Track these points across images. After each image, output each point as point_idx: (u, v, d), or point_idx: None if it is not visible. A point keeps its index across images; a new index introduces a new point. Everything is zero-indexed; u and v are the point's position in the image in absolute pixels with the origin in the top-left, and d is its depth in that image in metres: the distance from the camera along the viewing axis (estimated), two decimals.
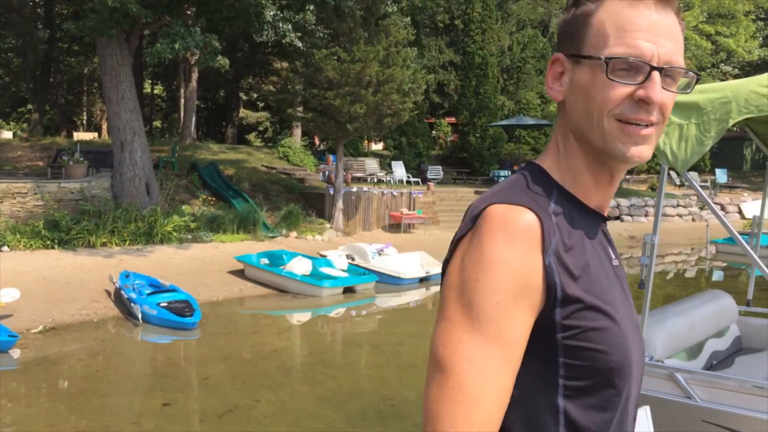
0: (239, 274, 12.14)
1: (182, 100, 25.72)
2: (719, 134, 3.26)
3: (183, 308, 9.00)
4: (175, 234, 13.42)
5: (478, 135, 28.34)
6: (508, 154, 30.00)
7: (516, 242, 0.90)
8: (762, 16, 32.66)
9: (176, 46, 13.17)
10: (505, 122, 27.34)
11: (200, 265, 12.28)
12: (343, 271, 12.14)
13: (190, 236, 13.77)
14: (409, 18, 20.23)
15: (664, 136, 3.36)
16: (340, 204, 16.91)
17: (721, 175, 30.11)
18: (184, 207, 15.04)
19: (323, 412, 6.14)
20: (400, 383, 7.07)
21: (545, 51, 33.04)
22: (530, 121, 27.07)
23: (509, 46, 33.05)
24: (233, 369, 7.43)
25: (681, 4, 21.79)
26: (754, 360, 4.45)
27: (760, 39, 31.50)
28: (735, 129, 3.45)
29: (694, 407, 3.38)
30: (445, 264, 0.98)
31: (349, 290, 11.76)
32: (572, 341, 0.93)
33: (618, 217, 24.70)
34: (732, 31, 24.32)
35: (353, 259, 13.11)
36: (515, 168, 27.25)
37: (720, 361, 4.40)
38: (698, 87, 3.44)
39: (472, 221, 0.95)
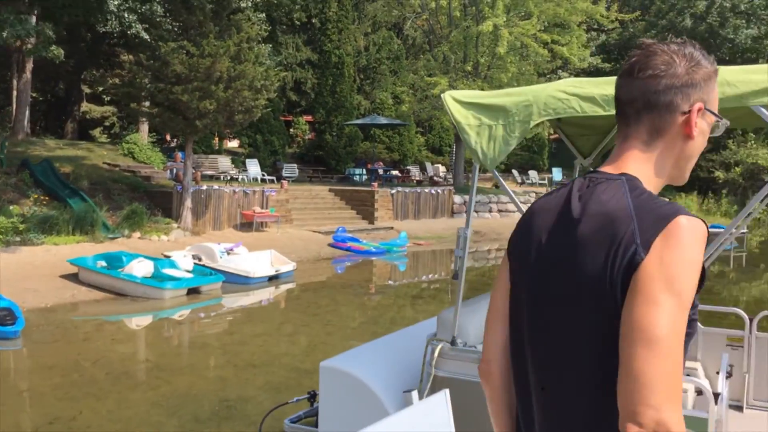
0: (73, 278, 11.43)
1: (14, 92, 23.73)
2: (522, 134, 3.48)
3: (3, 316, 8.34)
4: (0, 236, 12.38)
5: (334, 133, 28.54)
6: (364, 152, 30.47)
7: (703, 247, 1.20)
8: (594, 27, 35.47)
9: (4, 34, 12.16)
10: (360, 121, 27.73)
11: (28, 269, 11.42)
12: (188, 271, 11.78)
13: (18, 238, 12.76)
14: (264, 14, 19.96)
15: (475, 136, 3.53)
16: (188, 203, 16.38)
17: (557, 174, 32.40)
18: (12, 207, 13.91)
19: (154, 418, 5.93)
20: (238, 383, 6.98)
21: (399, 53, 33.90)
22: (384, 121, 27.66)
23: (365, 47, 33.56)
24: (57, 379, 6.99)
25: (522, 13, 22.77)
26: None
27: (592, 48, 34.23)
28: (549, 130, 3.70)
29: None
30: (634, 258, 1.19)
31: (194, 291, 11.43)
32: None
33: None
34: (566, 40, 26.17)
35: (200, 260, 12.76)
36: (369, 166, 27.74)
37: None
38: (505, 91, 3.65)
39: (658, 227, 1.18)
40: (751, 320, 4.53)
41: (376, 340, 4.53)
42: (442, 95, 3.70)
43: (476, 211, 26.15)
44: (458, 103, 3.67)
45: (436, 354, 3.70)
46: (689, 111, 1.30)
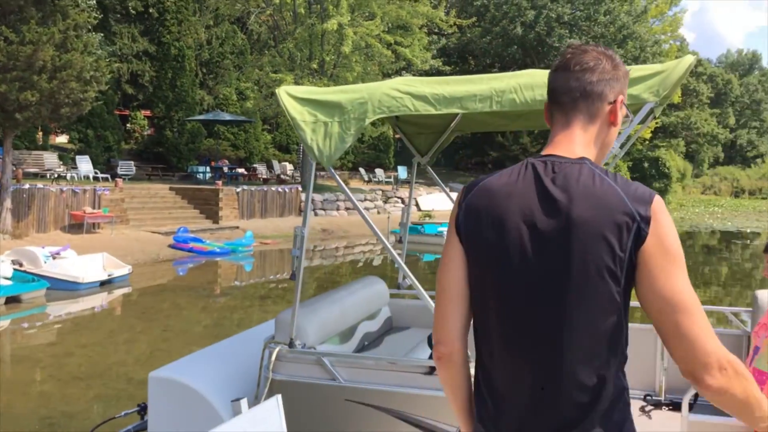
0: None
1: None
2: (358, 132, 3.45)
3: None
4: None
5: (175, 129, 27.31)
6: (207, 149, 29.46)
7: None
8: (435, 31, 36.81)
9: None
10: (203, 117, 26.77)
11: None
12: (6, 278, 10.70)
13: None
14: (94, 1, 18.60)
15: (311, 133, 3.45)
16: (8, 203, 14.91)
17: (403, 172, 33.29)
18: None
19: None
20: (62, 399, 6.42)
21: (244, 47, 33.12)
22: (229, 117, 26.90)
23: (208, 40, 32.42)
24: None
25: (366, 13, 23.07)
26: (401, 337, 4.85)
27: (434, 51, 35.51)
28: (389, 128, 3.68)
29: (339, 388, 3.53)
30: (640, 234, 1.40)
31: (13, 300, 10.41)
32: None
33: (313, 211, 25.78)
34: (409, 42, 26.91)
35: (21, 265, 11.64)
36: (213, 164, 26.87)
37: (371, 342, 4.68)
38: (340, 87, 3.58)
39: (647, 206, 1.40)
40: None
41: (212, 346, 4.33)
42: (276, 91, 3.59)
43: (324, 209, 26.19)
44: (293, 99, 3.57)
45: (273, 357, 3.59)
46: (614, 101, 1.55)
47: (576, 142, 1.53)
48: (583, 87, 1.52)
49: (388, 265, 17.67)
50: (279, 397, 2.99)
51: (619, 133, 1.86)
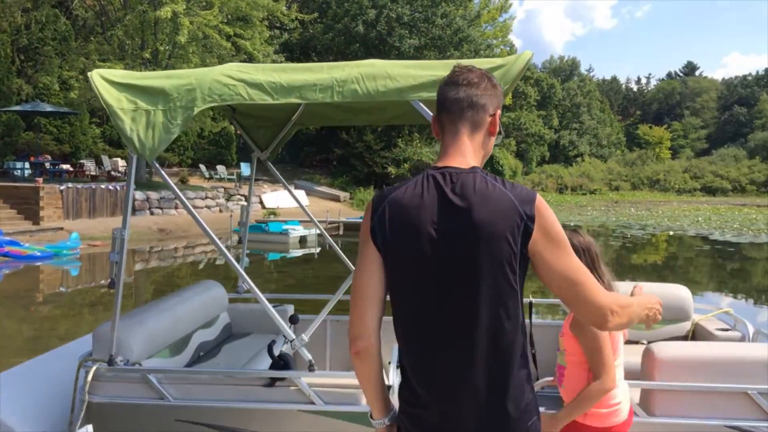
0: None
1: None
2: (185, 122, 3.08)
3: None
4: None
5: None
6: (26, 143, 26.84)
7: None
8: (277, 25, 36.20)
9: None
10: (20, 108, 24.31)
11: None
12: None
13: None
14: None
15: (131, 122, 3.07)
16: None
17: (246, 169, 32.42)
18: None
19: None
20: None
21: (67, 33, 30.54)
22: (50, 109, 24.63)
23: (26, 24, 29.50)
24: None
25: (203, 2, 22.04)
26: (240, 345, 4.51)
27: (276, 46, 34.90)
28: (228, 122, 3.34)
29: (168, 407, 3.17)
30: (527, 230, 1.69)
31: None
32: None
33: (149, 210, 24.40)
34: (249, 34, 26.17)
35: None
36: (33, 159, 24.50)
37: (208, 352, 4.33)
38: (165, 72, 3.23)
39: (531, 205, 1.69)
40: None
41: (20, 366, 3.77)
42: (89, 74, 3.16)
43: (161, 208, 24.85)
44: (109, 83, 3.17)
45: (89, 377, 3.16)
46: (494, 114, 1.83)
47: (466, 153, 1.79)
48: (470, 98, 1.79)
49: (229, 267, 17.03)
50: (90, 428, 2.60)
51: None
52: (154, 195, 24.76)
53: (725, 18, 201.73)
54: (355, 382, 2.80)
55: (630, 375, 3.88)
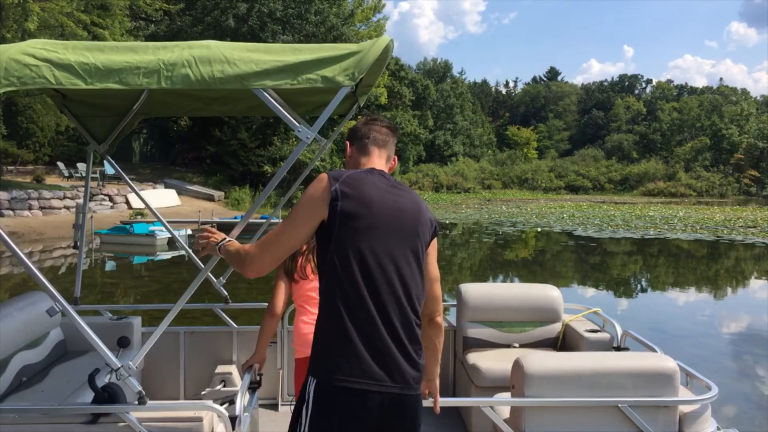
0: None
1: None
2: None
3: None
4: None
5: None
6: None
7: None
8: (143, 16, 34.34)
9: None
10: None
11: None
12: None
13: None
14: None
15: None
16: None
17: (110, 168, 30.53)
18: None
19: None
20: None
21: None
22: None
23: None
24: None
25: None
26: (73, 366, 3.89)
27: (142, 37, 33.09)
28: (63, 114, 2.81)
29: None
30: (436, 231, 2.44)
31: None
32: None
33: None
34: (108, 23, 24.58)
35: None
36: None
37: (32, 377, 3.73)
38: None
39: (435, 220, 2.42)
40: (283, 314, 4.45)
41: None
42: None
43: (12, 209, 22.81)
44: None
45: None
46: (395, 154, 2.55)
47: (387, 169, 2.46)
48: (394, 136, 2.50)
49: (93, 271, 15.80)
50: None
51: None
52: (3, 195, 22.70)
53: (584, 27, 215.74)
54: (196, 413, 2.62)
55: (502, 382, 3.78)
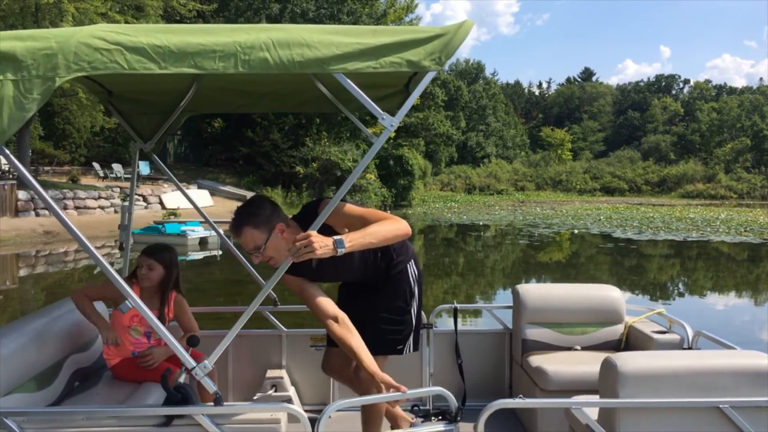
0: None
1: None
2: (45, 96, 2.31)
3: None
4: None
5: None
6: None
7: None
8: (176, 17, 34.57)
9: None
10: None
11: None
12: None
13: None
14: None
15: None
16: None
17: (144, 168, 30.78)
18: None
19: None
20: None
21: None
22: None
23: None
24: None
25: None
26: None
27: None
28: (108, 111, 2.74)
29: None
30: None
31: None
32: None
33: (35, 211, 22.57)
34: (142, 23, 24.74)
35: None
36: None
37: (85, 381, 3.61)
38: (15, 33, 2.46)
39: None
40: None
41: None
42: None
43: (47, 209, 23.01)
44: None
45: None
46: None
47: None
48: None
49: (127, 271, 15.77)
50: None
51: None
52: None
53: (619, 27, 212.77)
54: (273, 415, 2.57)
55: (577, 385, 3.64)
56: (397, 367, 4.33)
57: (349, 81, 2.43)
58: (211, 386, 2.50)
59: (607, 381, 2.80)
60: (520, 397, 2.69)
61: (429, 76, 2.42)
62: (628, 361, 2.78)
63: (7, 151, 2.46)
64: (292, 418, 2.55)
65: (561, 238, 24.85)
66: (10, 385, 2.84)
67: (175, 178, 4.40)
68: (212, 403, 2.49)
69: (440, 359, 4.34)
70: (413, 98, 2.47)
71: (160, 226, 20.46)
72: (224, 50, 2.34)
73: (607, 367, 2.80)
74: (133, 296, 2.46)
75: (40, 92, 2.31)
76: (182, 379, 2.55)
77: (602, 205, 49.13)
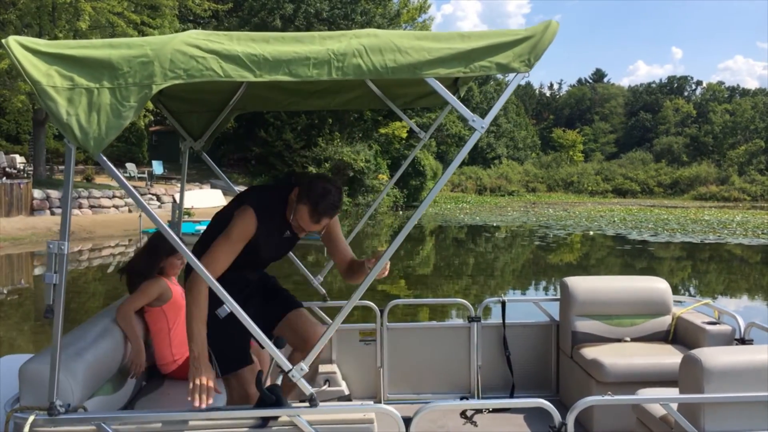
0: None
1: None
2: (141, 104, 2.36)
3: None
4: None
5: None
6: None
7: None
8: (190, 18, 34.63)
9: None
10: None
11: None
12: None
13: None
14: None
15: (67, 104, 2.33)
16: None
17: (158, 167, 30.83)
18: None
19: None
20: None
21: None
22: None
23: None
24: None
25: None
26: None
27: None
28: (149, 119, 2.70)
29: None
30: None
31: None
32: None
33: (50, 210, 22.59)
34: (158, 23, 24.79)
35: None
36: None
37: (150, 379, 3.69)
38: (109, 41, 2.49)
39: None
40: (381, 311, 4.37)
41: None
42: (5, 41, 2.36)
43: (61, 208, 23.05)
44: (34, 53, 2.37)
45: None
46: None
47: None
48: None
49: None
50: None
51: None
52: (54, 194, 23.03)
53: (630, 28, 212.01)
54: (366, 414, 2.52)
55: (634, 377, 3.69)
56: (445, 361, 4.42)
57: (440, 85, 2.49)
58: (307, 388, 2.50)
59: (691, 376, 2.79)
60: (609, 394, 2.67)
61: (518, 78, 2.49)
62: (712, 356, 2.78)
63: (104, 158, 2.47)
64: (382, 417, 2.58)
65: (576, 240, 24.70)
66: (93, 388, 2.83)
67: (222, 174, 4.56)
68: (307, 404, 2.49)
69: (488, 352, 4.43)
70: (502, 101, 2.51)
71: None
72: (318, 58, 2.40)
73: (690, 362, 2.80)
74: (231, 302, 2.47)
75: (137, 100, 2.35)
76: (278, 380, 2.64)
77: (615, 207, 48.83)
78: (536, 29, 2.51)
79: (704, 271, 17.07)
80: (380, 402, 4.38)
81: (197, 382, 2.55)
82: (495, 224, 31.80)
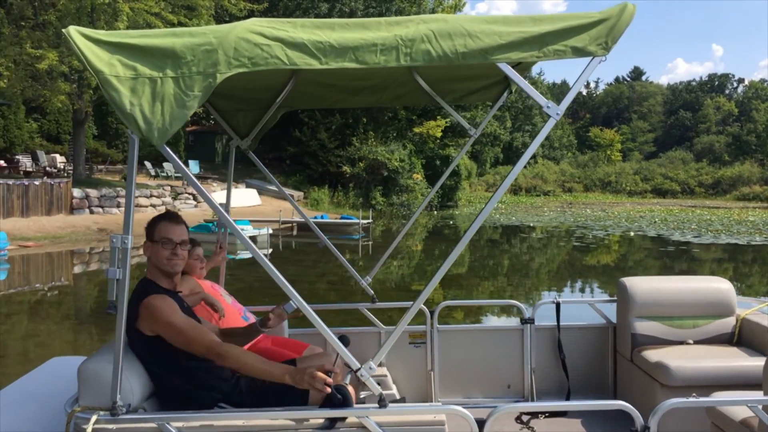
0: None
1: None
2: (206, 93, 2.29)
3: None
4: None
5: None
6: None
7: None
8: (226, 19, 34.85)
9: None
10: None
11: None
12: None
13: None
14: None
15: (130, 94, 2.28)
16: None
17: (194, 167, 31.13)
18: None
19: None
20: None
21: None
22: None
23: None
24: None
25: None
26: None
27: None
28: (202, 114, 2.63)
29: None
30: None
31: None
32: None
33: (90, 209, 22.88)
34: (195, 24, 24.95)
35: None
36: None
37: None
38: (170, 30, 2.44)
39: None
40: (431, 313, 4.25)
41: None
42: (65, 31, 2.31)
43: (101, 206, 23.42)
44: (95, 42, 2.30)
45: None
46: None
47: None
48: None
49: None
50: None
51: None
52: (93, 193, 23.32)
53: (669, 26, 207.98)
54: (436, 416, 2.45)
55: (702, 381, 3.52)
56: (497, 363, 4.30)
57: (513, 71, 2.37)
58: (376, 388, 2.43)
59: None
60: (694, 396, 2.54)
61: (595, 63, 2.36)
62: None
63: (169, 150, 2.36)
64: (452, 419, 2.48)
65: (616, 240, 24.15)
66: (151, 387, 2.76)
67: (269, 173, 4.53)
68: (377, 405, 2.42)
69: (542, 354, 4.30)
70: (577, 88, 2.38)
71: (210, 225, 20.56)
72: (385, 44, 2.31)
73: None
74: (298, 297, 2.42)
75: (201, 89, 2.28)
76: (347, 380, 2.62)
77: (655, 207, 47.83)
78: (611, 11, 2.38)
79: (758, 273, 16.48)
80: None
81: (310, 382, 2.42)
82: (532, 224, 31.33)
